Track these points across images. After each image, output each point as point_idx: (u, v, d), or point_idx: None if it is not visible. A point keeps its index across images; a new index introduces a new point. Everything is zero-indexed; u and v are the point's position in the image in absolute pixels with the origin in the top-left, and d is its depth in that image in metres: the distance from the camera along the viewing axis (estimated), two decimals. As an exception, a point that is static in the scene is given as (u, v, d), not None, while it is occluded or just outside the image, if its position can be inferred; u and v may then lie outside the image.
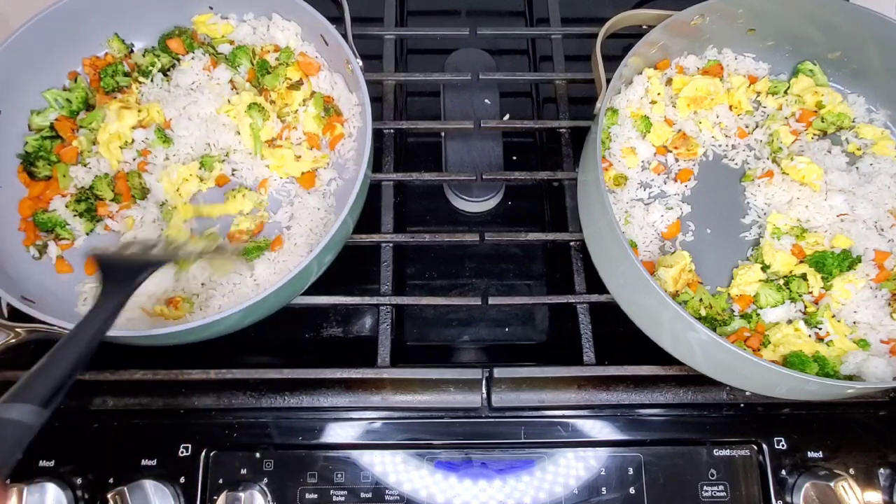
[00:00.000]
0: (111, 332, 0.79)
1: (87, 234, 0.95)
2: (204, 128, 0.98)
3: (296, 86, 1.00)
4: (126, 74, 1.01)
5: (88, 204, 0.93)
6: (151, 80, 1.02)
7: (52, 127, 0.97)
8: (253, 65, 1.01)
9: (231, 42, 1.03)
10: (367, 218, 0.95)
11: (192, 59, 1.02)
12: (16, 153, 0.97)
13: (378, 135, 1.05)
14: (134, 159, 0.97)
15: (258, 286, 0.90)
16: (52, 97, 0.98)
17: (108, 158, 0.96)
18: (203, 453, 0.85)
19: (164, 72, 1.03)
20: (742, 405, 0.90)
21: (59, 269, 0.93)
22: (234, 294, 0.90)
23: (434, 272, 1.07)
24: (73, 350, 0.64)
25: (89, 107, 1.00)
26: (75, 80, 1.01)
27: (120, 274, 0.75)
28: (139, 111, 0.98)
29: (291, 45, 1.01)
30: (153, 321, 0.88)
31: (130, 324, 0.88)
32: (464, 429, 0.88)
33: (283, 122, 1.00)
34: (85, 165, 0.96)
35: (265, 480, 0.84)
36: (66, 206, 0.93)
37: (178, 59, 1.03)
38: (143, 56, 1.02)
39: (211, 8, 1.04)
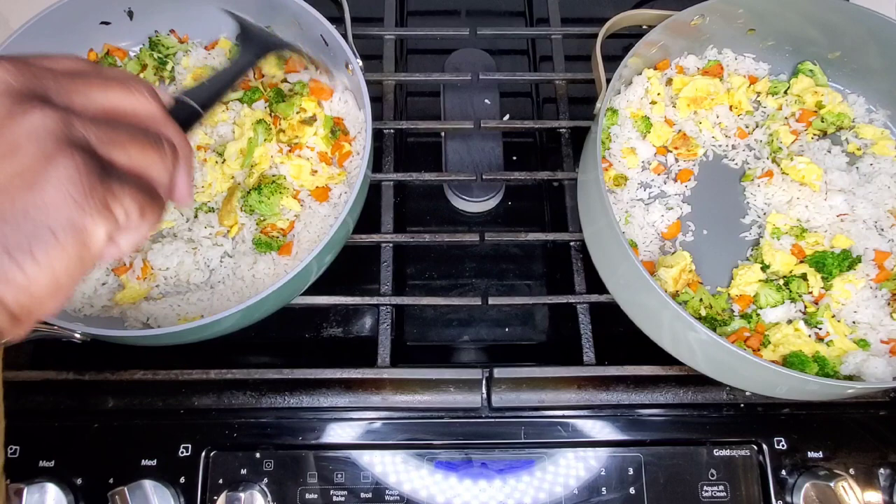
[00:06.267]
0: (111, 332, 0.80)
1: None
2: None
3: (309, 121, 0.99)
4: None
5: None
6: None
7: None
8: (266, 102, 1.01)
9: None
10: (367, 218, 0.95)
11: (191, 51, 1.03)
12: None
13: (378, 135, 1.05)
14: None
15: (255, 281, 0.90)
16: None
17: None
18: (203, 453, 0.85)
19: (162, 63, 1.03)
20: (742, 405, 0.90)
21: None
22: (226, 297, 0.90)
23: (434, 272, 1.07)
24: (221, 81, 0.72)
25: None
26: None
27: (256, 40, 0.86)
28: None
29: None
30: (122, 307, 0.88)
31: (125, 320, 0.88)
32: (464, 429, 0.88)
33: (290, 146, 0.99)
34: None
35: (265, 480, 0.84)
36: None
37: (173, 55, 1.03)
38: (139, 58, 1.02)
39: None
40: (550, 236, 1.02)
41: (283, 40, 0.92)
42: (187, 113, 0.61)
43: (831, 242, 0.93)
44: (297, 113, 0.99)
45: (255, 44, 0.87)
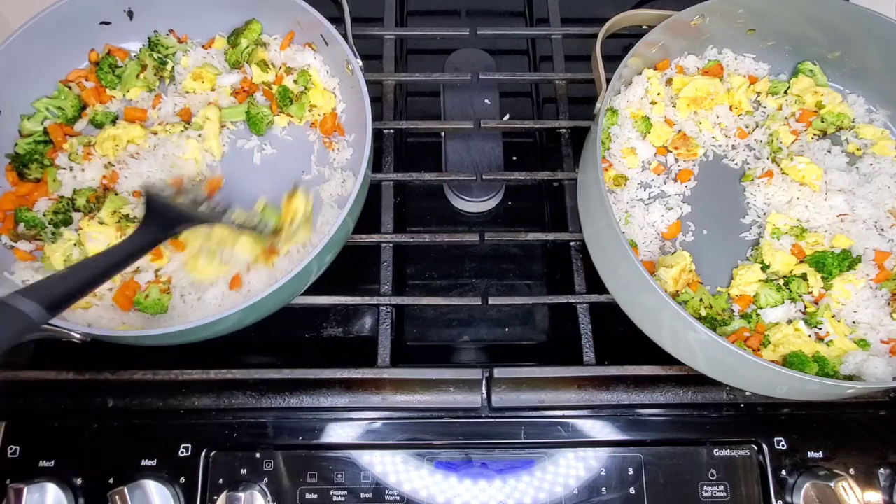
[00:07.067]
0: (110, 333, 0.80)
1: (55, 241, 0.92)
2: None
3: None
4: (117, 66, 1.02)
5: (66, 215, 0.92)
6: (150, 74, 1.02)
7: (45, 131, 0.97)
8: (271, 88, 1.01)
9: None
10: (367, 218, 0.95)
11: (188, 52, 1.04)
12: (6, 153, 0.96)
13: (378, 135, 1.05)
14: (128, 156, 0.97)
15: (202, 305, 0.89)
16: (44, 106, 0.97)
17: (106, 154, 0.96)
18: (203, 453, 0.85)
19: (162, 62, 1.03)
20: (742, 405, 0.90)
21: (19, 256, 0.91)
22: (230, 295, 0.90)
23: (434, 272, 1.07)
24: (90, 269, 0.68)
25: (83, 107, 1.00)
26: (69, 88, 1.00)
27: (162, 218, 0.79)
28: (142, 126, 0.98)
29: (313, 73, 1.01)
30: (134, 316, 0.88)
31: (121, 321, 0.88)
32: (464, 429, 0.88)
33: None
34: (71, 171, 0.95)
35: (265, 480, 0.84)
36: (44, 214, 0.92)
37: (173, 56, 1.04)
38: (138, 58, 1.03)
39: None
40: (550, 236, 1.02)
41: (201, 216, 0.83)
42: (20, 323, 0.57)
43: (831, 242, 0.93)
44: (310, 111, 0.99)
45: (160, 222, 0.78)
